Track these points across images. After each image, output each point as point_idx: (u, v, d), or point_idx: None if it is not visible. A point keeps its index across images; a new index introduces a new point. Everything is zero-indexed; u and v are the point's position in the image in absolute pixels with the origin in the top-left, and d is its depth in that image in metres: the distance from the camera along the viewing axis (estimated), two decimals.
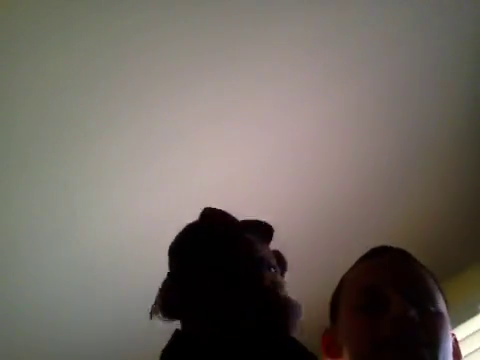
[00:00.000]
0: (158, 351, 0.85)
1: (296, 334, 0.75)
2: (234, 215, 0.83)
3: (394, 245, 1.08)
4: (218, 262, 0.72)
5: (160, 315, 0.74)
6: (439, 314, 0.99)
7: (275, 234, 2.04)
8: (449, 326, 1.00)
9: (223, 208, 1.85)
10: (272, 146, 1.80)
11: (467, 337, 1.81)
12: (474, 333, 1.81)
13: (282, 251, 0.87)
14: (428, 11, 1.59)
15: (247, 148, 1.79)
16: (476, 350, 1.82)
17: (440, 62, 1.71)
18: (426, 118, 1.82)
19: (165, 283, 0.75)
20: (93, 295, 2.02)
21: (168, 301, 0.73)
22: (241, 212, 1.87)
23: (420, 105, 1.79)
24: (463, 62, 1.72)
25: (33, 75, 1.56)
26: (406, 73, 1.72)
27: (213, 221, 0.79)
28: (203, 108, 1.69)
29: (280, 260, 0.84)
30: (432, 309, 0.98)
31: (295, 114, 1.75)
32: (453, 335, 1.04)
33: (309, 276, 1.91)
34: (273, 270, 0.76)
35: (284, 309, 0.72)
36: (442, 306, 1.01)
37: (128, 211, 1.86)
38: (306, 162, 1.86)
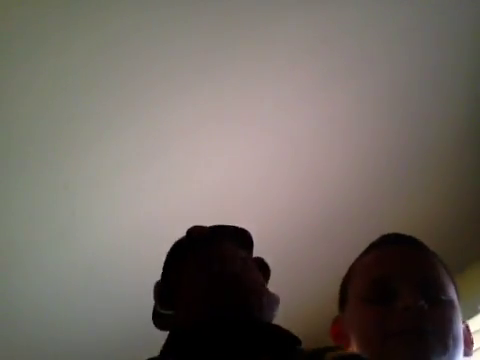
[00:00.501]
0: (158, 351, 0.85)
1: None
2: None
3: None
4: (202, 261, 0.77)
5: (158, 306, 0.80)
6: (449, 302, 0.99)
7: (276, 235, 2.04)
8: (460, 314, 1.01)
9: (223, 208, 1.86)
10: (272, 146, 1.80)
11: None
12: (474, 333, 1.81)
13: (266, 259, 0.90)
14: (428, 11, 1.59)
15: (247, 148, 1.79)
16: (476, 350, 1.81)
17: (440, 62, 1.71)
18: (426, 118, 1.82)
19: (158, 284, 0.83)
20: (93, 295, 2.02)
21: (160, 293, 0.80)
22: (241, 212, 1.87)
23: (420, 105, 1.79)
24: (463, 62, 1.72)
25: (33, 75, 1.56)
26: (406, 73, 1.72)
27: (197, 232, 0.84)
28: (203, 108, 1.69)
29: (263, 267, 0.87)
30: (442, 298, 0.98)
31: (295, 114, 1.75)
32: (464, 322, 1.04)
33: (309, 276, 1.91)
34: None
35: (260, 297, 0.76)
36: (452, 294, 1.01)
37: (128, 211, 1.86)
38: (306, 162, 1.86)
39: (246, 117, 1.73)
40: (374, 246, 1.07)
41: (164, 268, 0.82)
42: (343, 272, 1.09)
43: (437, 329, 0.94)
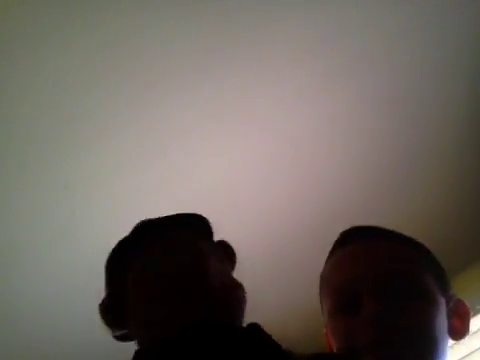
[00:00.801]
0: None
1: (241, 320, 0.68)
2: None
3: None
4: (151, 260, 0.67)
5: (110, 330, 0.69)
6: (422, 295, 0.89)
7: (276, 234, 2.04)
8: (438, 305, 0.90)
9: (223, 208, 1.86)
10: (272, 146, 1.80)
11: (467, 337, 1.80)
12: (474, 333, 1.81)
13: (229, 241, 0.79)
14: (428, 11, 1.59)
15: (247, 148, 1.79)
16: (476, 350, 1.81)
17: (441, 62, 1.71)
18: (427, 118, 1.81)
19: (102, 303, 0.71)
20: (93, 295, 2.01)
21: (109, 321, 0.69)
22: (241, 212, 1.87)
23: (421, 105, 1.79)
24: (463, 62, 1.72)
25: (33, 75, 1.56)
26: (407, 73, 1.72)
27: (141, 228, 0.75)
28: (203, 108, 1.69)
29: (226, 249, 0.74)
30: (413, 290, 0.88)
31: (295, 114, 1.75)
32: (453, 296, 0.94)
33: (309, 276, 1.91)
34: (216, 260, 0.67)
35: (231, 296, 0.64)
36: (428, 285, 0.90)
37: (128, 211, 1.85)
38: (306, 162, 1.86)
39: (246, 117, 1.73)
40: (336, 247, 0.99)
41: (107, 281, 0.69)
42: None
43: (408, 336, 0.85)
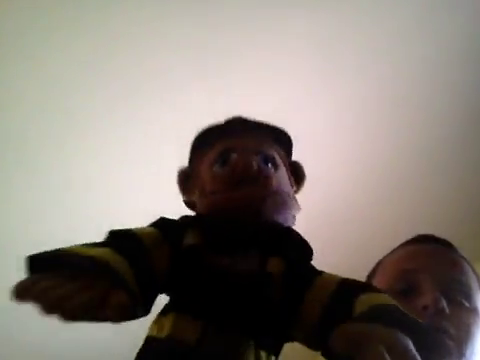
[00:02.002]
0: None
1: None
2: None
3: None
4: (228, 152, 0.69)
5: (181, 193, 0.73)
6: (472, 310, 0.95)
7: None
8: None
9: None
10: None
11: None
12: None
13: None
14: (431, 10, 1.60)
15: None
16: None
17: (441, 62, 1.71)
18: (428, 118, 1.82)
19: (181, 170, 0.75)
20: None
21: (181, 180, 0.74)
22: None
23: (423, 104, 1.79)
24: (465, 62, 1.72)
25: (32, 75, 1.56)
26: (408, 73, 1.72)
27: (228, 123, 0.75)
28: (203, 108, 1.69)
29: (297, 170, 0.77)
30: (466, 304, 0.95)
31: (295, 114, 1.76)
32: None
33: None
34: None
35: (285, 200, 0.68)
36: (477, 303, 0.97)
37: (128, 211, 1.86)
38: (307, 162, 1.86)
39: (250, 113, 1.74)
40: (407, 243, 1.06)
41: (189, 155, 0.74)
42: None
43: (456, 334, 0.90)
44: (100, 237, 0.71)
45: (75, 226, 1.87)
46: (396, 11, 1.58)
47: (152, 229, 0.62)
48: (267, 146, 0.71)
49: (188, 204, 0.71)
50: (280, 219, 0.65)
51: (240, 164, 0.65)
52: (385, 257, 1.06)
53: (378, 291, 0.57)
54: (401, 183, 1.94)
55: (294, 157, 0.76)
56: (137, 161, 1.77)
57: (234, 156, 0.66)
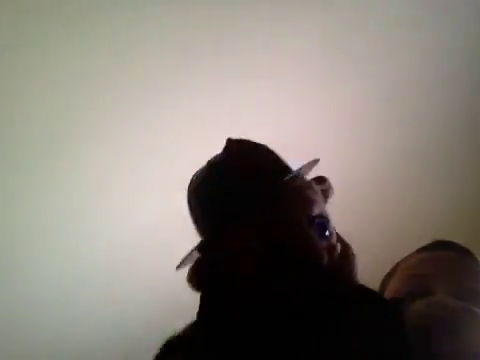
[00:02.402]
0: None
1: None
2: None
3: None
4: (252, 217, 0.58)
5: (192, 284, 0.62)
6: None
7: None
8: None
9: None
10: (274, 146, 1.80)
11: None
12: None
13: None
14: (432, 11, 1.59)
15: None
16: None
17: (442, 62, 1.71)
18: (429, 118, 1.82)
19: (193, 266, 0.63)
20: (94, 295, 2.02)
21: (199, 275, 0.61)
22: None
23: (423, 104, 1.79)
24: (466, 62, 1.72)
25: (32, 75, 1.56)
26: (409, 73, 1.72)
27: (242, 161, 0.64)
28: (203, 108, 1.69)
29: (323, 184, 0.67)
30: (478, 312, 0.93)
31: (296, 114, 1.75)
32: None
33: None
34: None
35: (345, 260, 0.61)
36: None
37: (128, 211, 1.86)
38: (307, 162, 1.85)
39: (246, 117, 1.73)
40: (426, 248, 1.05)
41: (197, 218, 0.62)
42: None
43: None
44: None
45: (77, 227, 1.86)
46: (396, 13, 1.58)
47: None
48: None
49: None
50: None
51: None
52: (401, 262, 1.06)
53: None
54: (399, 183, 1.94)
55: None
56: (143, 163, 1.77)
57: None
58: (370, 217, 1.95)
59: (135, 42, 1.54)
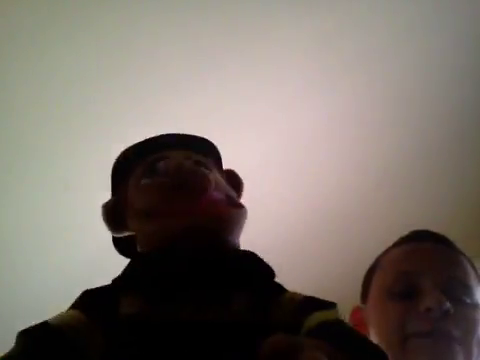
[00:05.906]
0: None
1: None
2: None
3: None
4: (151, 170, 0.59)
5: (110, 230, 0.64)
6: (474, 306, 0.94)
7: (275, 234, 2.03)
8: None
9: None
10: (274, 146, 1.80)
11: None
12: None
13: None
14: (433, 9, 1.59)
15: (248, 148, 1.79)
16: None
17: (442, 62, 1.71)
18: (429, 118, 1.82)
19: (105, 205, 0.66)
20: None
21: (107, 214, 0.64)
22: None
23: (423, 104, 1.79)
24: (466, 61, 1.72)
25: (31, 74, 1.56)
26: (409, 72, 1.72)
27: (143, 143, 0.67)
28: (203, 108, 1.70)
29: (233, 178, 0.67)
30: (467, 301, 0.94)
31: (296, 114, 1.75)
32: None
33: (307, 276, 1.91)
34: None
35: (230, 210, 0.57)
36: (478, 298, 0.97)
37: None
38: (307, 162, 1.86)
39: (246, 117, 1.74)
40: (404, 240, 1.03)
41: (111, 187, 0.65)
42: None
43: (462, 335, 0.90)
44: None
45: (77, 227, 1.86)
46: (396, 12, 1.58)
47: (73, 313, 0.52)
48: (196, 155, 0.62)
49: (122, 245, 0.62)
50: (235, 233, 0.57)
51: (170, 167, 0.56)
52: (382, 256, 1.04)
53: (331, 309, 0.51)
54: (399, 183, 1.94)
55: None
56: None
57: (162, 163, 0.58)
58: (367, 221, 1.96)
59: (131, 41, 1.54)
